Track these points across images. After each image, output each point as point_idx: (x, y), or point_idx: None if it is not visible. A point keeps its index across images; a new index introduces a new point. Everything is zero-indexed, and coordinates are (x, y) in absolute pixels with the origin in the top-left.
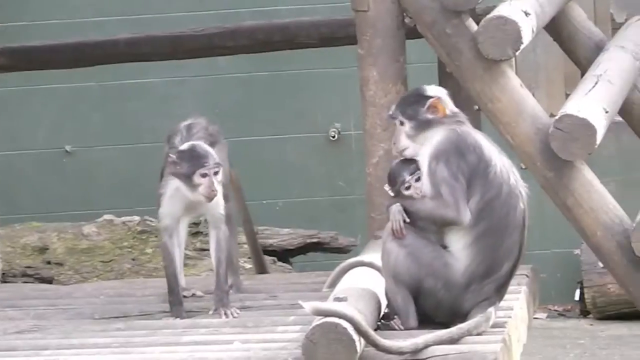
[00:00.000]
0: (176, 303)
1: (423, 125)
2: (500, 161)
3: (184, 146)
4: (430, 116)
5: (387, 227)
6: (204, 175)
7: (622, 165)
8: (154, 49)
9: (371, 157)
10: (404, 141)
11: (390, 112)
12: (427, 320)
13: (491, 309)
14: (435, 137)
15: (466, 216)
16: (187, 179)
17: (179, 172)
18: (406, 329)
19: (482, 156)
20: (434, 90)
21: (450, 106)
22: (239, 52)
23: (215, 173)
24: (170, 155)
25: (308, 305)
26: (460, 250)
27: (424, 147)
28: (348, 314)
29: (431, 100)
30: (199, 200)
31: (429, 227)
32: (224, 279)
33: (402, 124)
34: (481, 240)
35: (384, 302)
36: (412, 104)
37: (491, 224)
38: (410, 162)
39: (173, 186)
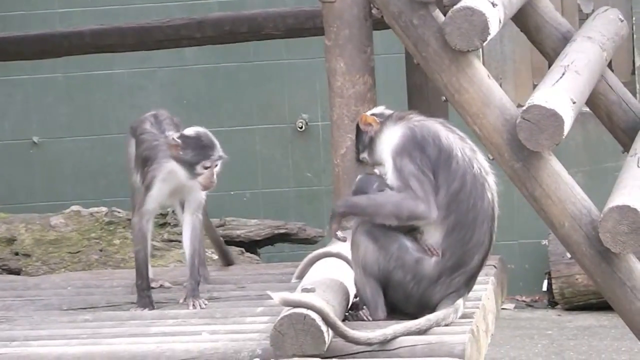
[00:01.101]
0: (144, 288)
1: (371, 142)
2: (461, 149)
3: (190, 132)
4: (370, 132)
5: (355, 220)
6: (206, 167)
7: (589, 155)
8: (120, 40)
9: (338, 148)
10: (372, 167)
11: (356, 158)
12: (396, 311)
13: (459, 301)
14: (392, 138)
15: (435, 212)
16: (190, 166)
17: (181, 157)
18: (374, 319)
19: (442, 146)
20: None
21: (390, 112)
22: (206, 43)
23: (217, 165)
24: (174, 138)
25: (276, 296)
26: (432, 245)
27: (384, 150)
28: (316, 305)
29: (358, 121)
30: (193, 186)
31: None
32: (197, 269)
33: (365, 157)
34: (452, 235)
35: (352, 293)
36: (356, 138)
37: (460, 217)
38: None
39: (167, 169)
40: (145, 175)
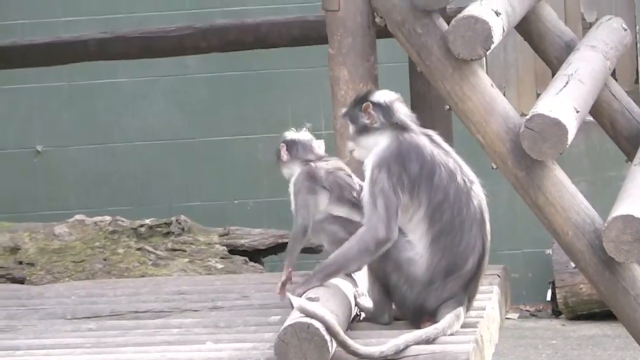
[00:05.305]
0: None
1: (362, 130)
2: (445, 164)
3: None
4: (366, 121)
5: None
6: None
7: (592, 164)
8: (124, 49)
9: (342, 157)
10: (350, 143)
11: (342, 111)
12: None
13: (460, 309)
14: (379, 145)
15: (394, 234)
16: None
17: None
18: (378, 323)
19: (425, 163)
20: (380, 95)
21: (396, 112)
22: (210, 52)
23: None
24: None
25: (296, 302)
26: (421, 249)
27: (369, 155)
28: (330, 323)
29: (363, 105)
30: None
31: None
32: None
33: (349, 125)
34: (439, 241)
35: (353, 303)
36: (356, 107)
37: (445, 225)
38: None
39: None
40: None
